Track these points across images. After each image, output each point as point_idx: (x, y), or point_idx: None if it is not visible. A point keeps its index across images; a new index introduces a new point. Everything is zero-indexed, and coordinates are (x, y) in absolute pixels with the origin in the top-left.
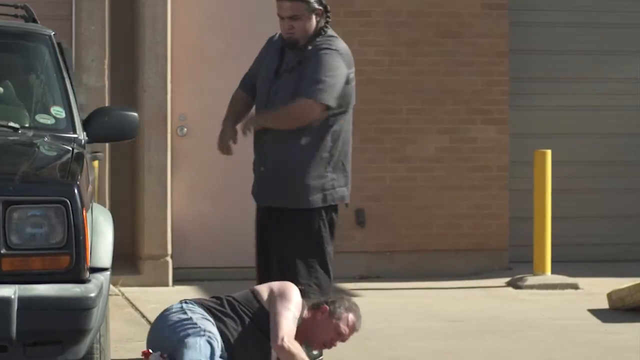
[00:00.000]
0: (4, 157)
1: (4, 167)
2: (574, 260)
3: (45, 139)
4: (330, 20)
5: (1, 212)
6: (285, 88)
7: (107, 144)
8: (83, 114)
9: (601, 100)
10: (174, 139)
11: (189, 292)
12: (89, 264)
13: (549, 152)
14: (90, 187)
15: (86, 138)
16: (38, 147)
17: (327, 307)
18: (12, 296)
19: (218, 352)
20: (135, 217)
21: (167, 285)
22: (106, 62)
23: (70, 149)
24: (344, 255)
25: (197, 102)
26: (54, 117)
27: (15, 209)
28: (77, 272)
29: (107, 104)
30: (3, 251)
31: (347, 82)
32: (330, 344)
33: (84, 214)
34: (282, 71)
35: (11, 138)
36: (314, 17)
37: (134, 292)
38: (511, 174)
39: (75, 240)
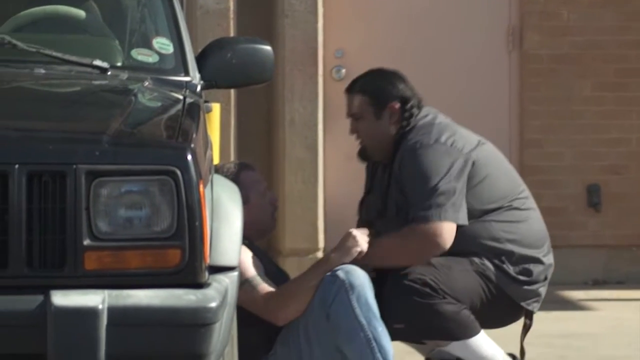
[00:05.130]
0: (87, 110)
1: (88, 123)
2: None
3: (146, 83)
4: (415, 107)
5: (84, 187)
6: (390, 220)
7: (231, 91)
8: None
9: None
10: (327, 84)
11: None
12: (208, 261)
13: None
14: (209, 152)
15: (202, 82)
16: (135, 96)
17: (249, 197)
18: (100, 306)
19: None
20: None
21: None
22: None
23: (181, 97)
24: (572, 251)
25: (361, 32)
26: (158, 53)
27: (104, 184)
28: (191, 272)
29: (231, 34)
30: (87, 242)
31: (473, 165)
32: (274, 205)
33: (201, 190)
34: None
35: (97, 83)
36: (386, 116)
37: None
38: None
39: (188, 227)
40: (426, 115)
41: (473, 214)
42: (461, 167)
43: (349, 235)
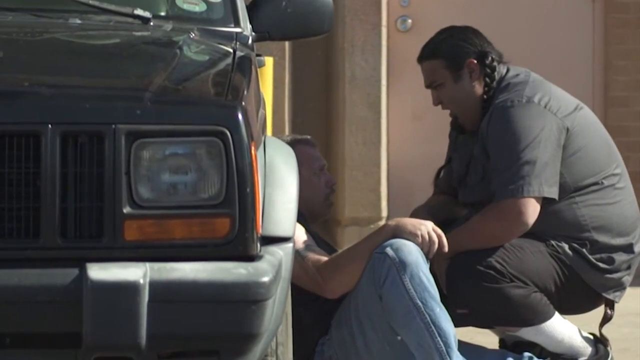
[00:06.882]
0: (127, 65)
1: (128, 79)
2: None
3: (192, 35)
4: (496, 61)
5: (124, 149)
6: (472, 187)
7: (286, 43)
8: None
9: None
10: (391, 36)
11: None
12: (260, 231)
13: None
14: (262, 111)
15: (253, 34)
16: (180, 48)
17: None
18: (141, 281)
19: None
20: (330, 160)
21: None
22: None
23: (231, 50)
24: None
25: None
26: (205, 1)
27: (145, 145)
28: (241, 243)
29: None
30: (127, 210)
31: (567, 132)
32: (330, 188)
33: (253, 153)
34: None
35: (138, 34)
36: (466, 76)
37: None
38: None
39: (238, 193)
40: (517, 74)
41: (564, 189)
42: (553, 133)
43: (423, 222)
